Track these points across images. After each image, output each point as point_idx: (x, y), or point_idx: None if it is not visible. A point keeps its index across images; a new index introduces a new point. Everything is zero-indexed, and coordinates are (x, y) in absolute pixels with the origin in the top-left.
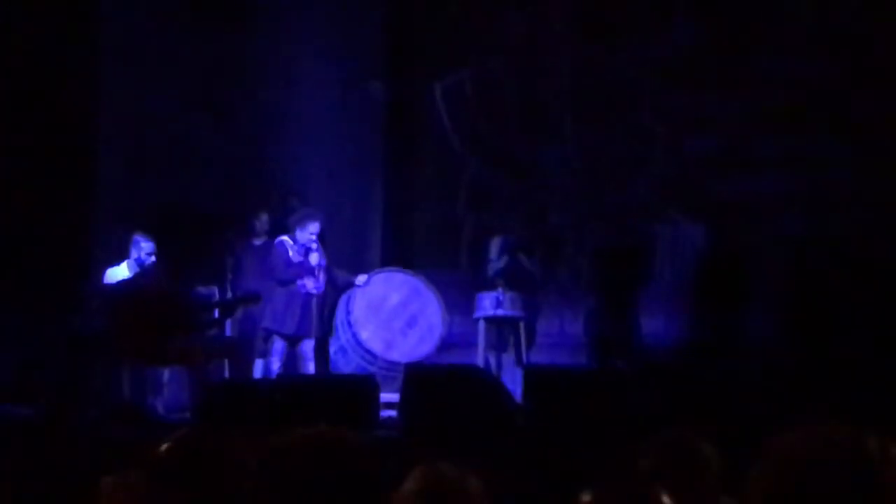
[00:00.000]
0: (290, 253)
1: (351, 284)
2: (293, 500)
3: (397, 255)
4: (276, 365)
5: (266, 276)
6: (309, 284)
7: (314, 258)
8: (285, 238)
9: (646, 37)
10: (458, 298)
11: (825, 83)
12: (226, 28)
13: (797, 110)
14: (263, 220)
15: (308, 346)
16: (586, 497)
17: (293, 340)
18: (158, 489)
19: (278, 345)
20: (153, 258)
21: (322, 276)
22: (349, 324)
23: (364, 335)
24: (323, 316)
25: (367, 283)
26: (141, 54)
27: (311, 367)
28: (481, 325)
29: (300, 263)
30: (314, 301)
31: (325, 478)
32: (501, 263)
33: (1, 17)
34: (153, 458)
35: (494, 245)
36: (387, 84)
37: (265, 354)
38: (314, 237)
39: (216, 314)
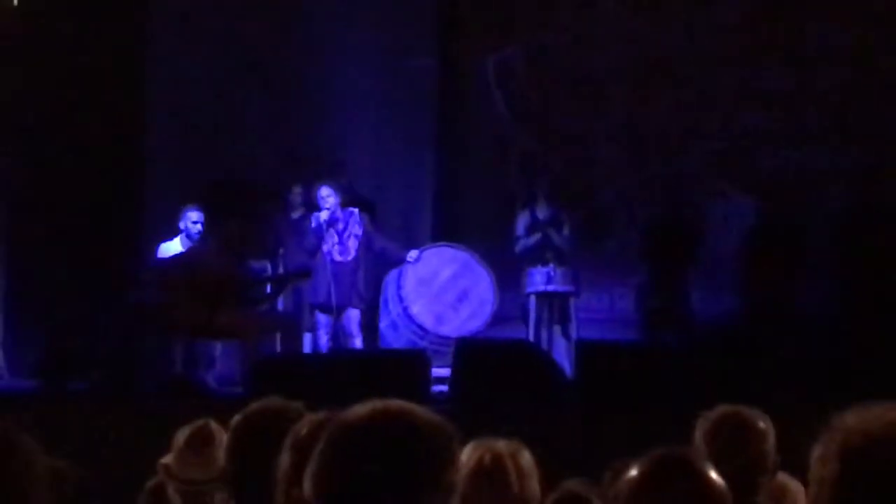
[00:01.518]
0: (313, 224)
1: (402, 260)
2: (361, 476)
3: (448, 230)
4: (323, 339)
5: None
6: (333, 249)
7: (324, 214)
8: (316, 213)
9: (697, 9)
10: (509, 273)
11: (875, 56)
12: (276, 1)
13: (848, 83)
14: (297, 192)
15: (351, 320)
16: (633, 472)
17: (332, 311)
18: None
19: (322, 318)
20: (199, 227)
21: (353, 244)
22: (400, 298)
23: (415, 309)
24: (359, 287)
25: (417, 258)
26: (191, 28)
27: (356, 343)
28: (532, 300)
29: (315, 229)
30: (344, 269)
31: (396, 454)
32: (531, 241)
33: None
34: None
35: (521, 220)
36: (437, 58)
37: (313, 329)
38: (325, 200)
39: (268, 289)
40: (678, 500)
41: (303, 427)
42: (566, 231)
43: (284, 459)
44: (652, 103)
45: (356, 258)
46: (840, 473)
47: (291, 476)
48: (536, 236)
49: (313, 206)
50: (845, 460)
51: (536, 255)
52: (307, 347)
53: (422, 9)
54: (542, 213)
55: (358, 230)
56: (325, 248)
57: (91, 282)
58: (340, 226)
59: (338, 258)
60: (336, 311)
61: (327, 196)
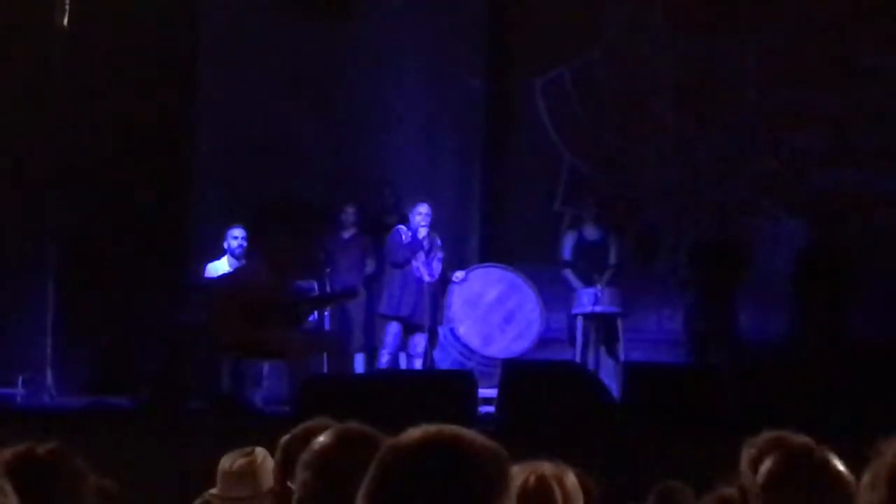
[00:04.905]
0: (403, 238)
1: (448, 281)
2: (413, 502)
3: (495, 251)
4: (385, 358)
5: (360, 268)
6: (421, 267)
7: (422, 232)
8: (401, 226)
9: (746, 30)
10: (556, 294)
11: None
12: (324, 21)
13: None
14: (350, 212)
15: (419, 342)
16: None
17: (408, 327)
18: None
19: (391, 335)
20: (241, 242)
21: (437, 266)
22: (447, 318)
23: (461, 330)
24: (436, 308)
25: (464, 279)
26: (239, 48)
27: (417, 364)
28: (579, 321)
29: (410, 244)
30: (428, 289)
31: (449, 479)
32: (578, 273)
33: (101, 13)
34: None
35: (568, 242)
36: (486, 79)
37: (368, 348)
38: (422, 216)
39: (315, 308)
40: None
41: (315, 443)
42: (612, 257)
43: (300, 478)
44: (701, 124)
45: (438, 280)
46: (888, 499)
47: (311, 494)
48: (583, 265)
49: (369, 224)
50: (894, 486)
51: (584, 277)
52: (359, 367)
53: (472, 30)
54: (589, 235)
55: (441, 254)
56: (414, 263)
57: (139, 301)
58: (426, 245)
59: (426, 278)
60: (409, 329)
61: (426, 214)
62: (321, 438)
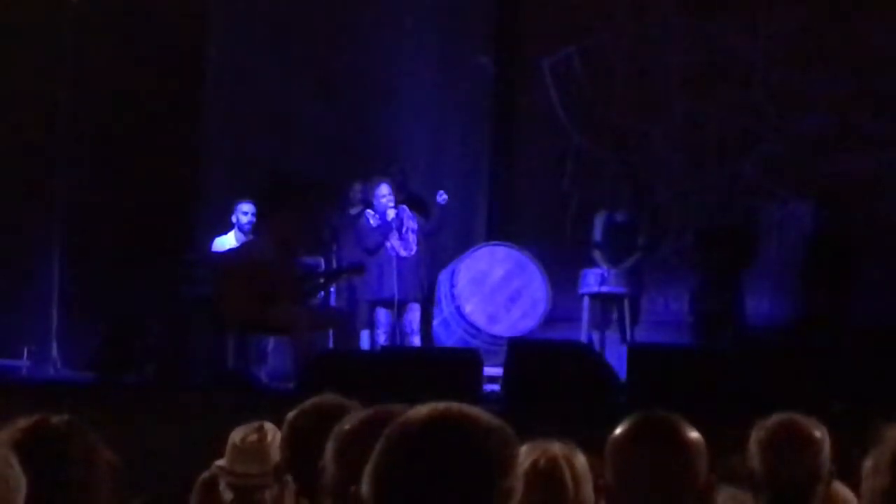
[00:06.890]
0: (371, 222)
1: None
2: (420, 479)
3: (503, 229)
4: (381, 338)
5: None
6: (396, 245)
7: (390, 213)
8: (369, 210)
9: (756, 12)
10: (562, 273)
11: None
12: None
13: None
14: (357, 189)
15: (413, 318)
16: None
17: (398, 307)
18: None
19: (382, 317)
20: (250, 218)
21: (413, 239)
22: (453, 297)
23: (467, 308)
24: (421, 281)
25: (471, 256)
26: (247, 24)
27: (414, 341)
28: (586, 301)
29: (379, 227)
30: (408, 264)
31: (456, 457)
32: (607, 254)
33: None
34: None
35: (598, 222)
36: (495, 57)
37: (370, 326)
38: (386, 197)
39: (321, 284)
40: (655, 453)
41: (345, 424)
42: (641, 239)
43: (329, 461)
44: (709, 106)
45: (418, 252)
46: (892, 485)
47: (339, 477)
48: (613, 247)
49: (370, 202)
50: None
51: (611, 259)
52: (364, 344)
53: (481, 8)
54: (620, 216)
55: (413, 224)
56: (388, 244)
57: (145, 275)
58: (398, 222)
59: (403, 254)
60: (398, 306)
61: (388, 194)
62: (346, 425)
